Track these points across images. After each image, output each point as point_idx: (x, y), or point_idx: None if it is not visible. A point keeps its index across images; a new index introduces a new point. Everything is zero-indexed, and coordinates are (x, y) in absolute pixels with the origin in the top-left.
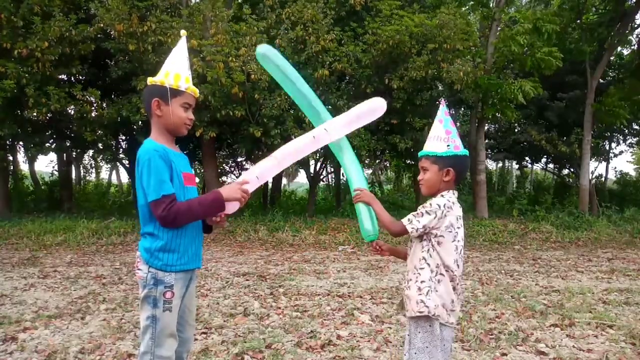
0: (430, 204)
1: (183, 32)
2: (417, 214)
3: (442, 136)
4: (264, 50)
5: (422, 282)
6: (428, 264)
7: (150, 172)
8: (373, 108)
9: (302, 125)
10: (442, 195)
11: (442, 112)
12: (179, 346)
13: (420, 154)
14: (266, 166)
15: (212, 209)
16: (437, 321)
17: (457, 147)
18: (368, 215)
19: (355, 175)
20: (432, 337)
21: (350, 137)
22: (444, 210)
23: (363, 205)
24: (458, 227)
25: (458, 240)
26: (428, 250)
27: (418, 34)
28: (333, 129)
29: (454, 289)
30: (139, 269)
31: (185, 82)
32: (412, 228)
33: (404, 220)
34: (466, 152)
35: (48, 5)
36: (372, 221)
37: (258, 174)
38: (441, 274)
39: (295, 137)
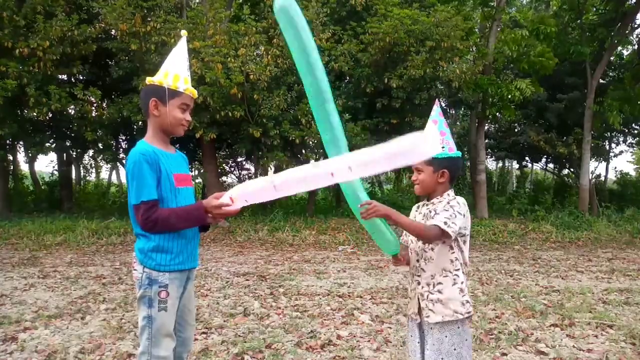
0: (457, 203)
1: (184, 32)
2: (451, 215)
3: (437, 137)
4: (283, 3)
5: (462, 282)
6: (461, 264)
7: (134, 176)
8: (414, 146)
9: (299, 126)
10: (450, 195)
11: (437, 112)
12: (179, 346)
13: None
14: (260, 188)
15: (191, 222)
16: (467, 320)
17: (451, 148)
18: (385, 229)
19: (357, 184)
20: (460, 338)
21: (350, 137)
22: (466, 208)
23: (377, 219)
24: None
25: None
26: (456, 251)
27: (416, 31)
28: (358, 167)
29: None
30: (134, 270)
31: (184, 83)
32: (453, 231)
33: (439, 224)
34: (459, 153)
35: (50, 5)
36: (392, 234)
37: (247, 195)
38: (463, 271)
39: (292, 138)
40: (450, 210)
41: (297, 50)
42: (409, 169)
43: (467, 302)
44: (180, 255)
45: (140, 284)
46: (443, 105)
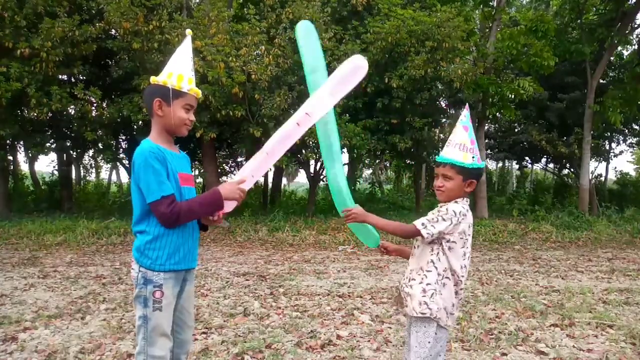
0: (447, 210)
1: (188, 32)
2: (433, 219)
3: (468, 146)
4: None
5: (427, 284)
6: (436, 267)
7: (148, 173)
8: (353, 68)
9: None
10: (457, 202)
11: (467, 118)
12: (177, 347)
13: (443, 159)
14: (258, 162)
15: (211, 208)
16: (435, 323)
17: (479, 159)
18: (365, 229)
19: (341, 188)
20: (425, 338)
21: (350, 137)
22: (459, 217)
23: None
24: (469, 235)
25: (467, 247)
26: (437, 253)
27: (417, 32)
28: (315, 108)
29: (456, 293)
30: (132, 269)
31: (187, 84)
32: (428, 233)
33: (418, 225)
34: (484, 164)
35: (51, 5)
36: (371, 232)
37: (252, 171)
38: (447, 277)
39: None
40: (435, 214)
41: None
42: (408, 169)
43: (425, 303)
44: (175, 255)
45: (137, 283)
46: (443, 105)
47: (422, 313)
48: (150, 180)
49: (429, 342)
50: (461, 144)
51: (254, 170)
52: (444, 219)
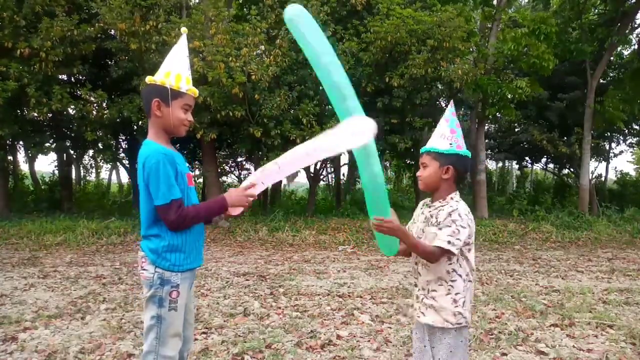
0: (459, 216)
1: (184, 30)
2: (454, 232)
3: (446, 134)
4: (292, 13)
5: (456, 294)
6: (460, 275)
7: (159, 176)
8: (358, 132)
9: (300, 126)
10: (455, 200)
11: (450, 112)
12: (181, 345)
13: (422, 150)
14: (269, 172)
15: (215, 215)
16: (464, 328)
17: (459, 146)
18: (390, 240)
19: (380, 189)
20: (456, 343)
21: None
22: (470, 216)
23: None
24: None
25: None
26: (457, 260)
27: (418, 31)
28: (318, 149)
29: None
30: (144, 270)
31: (186, 84)
32: (456, 249)
33: (445, 245)
34: (468, 153)
35: (49, 5)
36: (395, 242)
37: (262, 178)
38: (469, 280)
39: (293, 138)
40: (452, 226)
41: (311, 57)
42: (408, 169)
43: (460, 313)
44: (191, 254)
45: (152, 284)
46: (443, 105)
47: (458, 323)
48: (161, 183)
49: (461, 348)
50: (440, 134)
51: (264, 178)
52: (462, 227)
